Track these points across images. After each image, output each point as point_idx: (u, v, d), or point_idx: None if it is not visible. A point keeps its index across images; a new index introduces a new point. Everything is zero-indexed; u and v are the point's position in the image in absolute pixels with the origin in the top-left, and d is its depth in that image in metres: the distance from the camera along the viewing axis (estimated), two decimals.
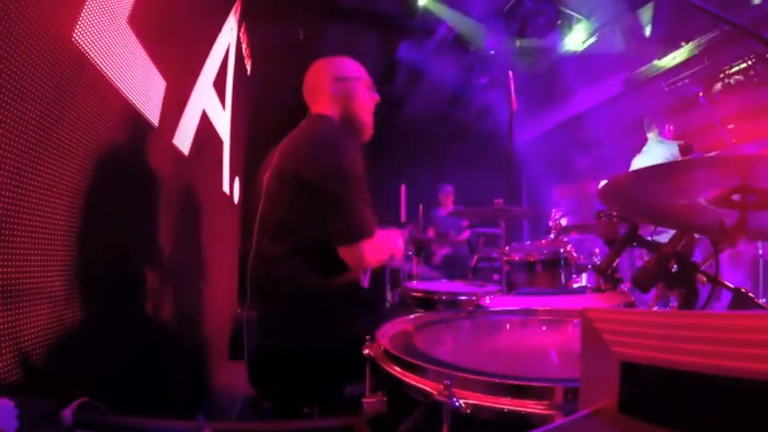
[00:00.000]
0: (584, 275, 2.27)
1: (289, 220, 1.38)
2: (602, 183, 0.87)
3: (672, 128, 3.66)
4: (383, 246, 1.43)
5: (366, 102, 1.54)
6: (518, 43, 4.87)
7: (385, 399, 0.78)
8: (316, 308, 1.36)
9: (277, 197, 1.41)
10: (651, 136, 3.68)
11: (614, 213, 1.47)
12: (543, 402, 0.59)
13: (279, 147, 1.49)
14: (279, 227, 1.40)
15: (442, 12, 4.71)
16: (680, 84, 4.35)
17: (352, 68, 1.55)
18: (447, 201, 5.18)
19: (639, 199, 0.89)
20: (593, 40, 4.56)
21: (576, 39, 4.64)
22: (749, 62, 3.82)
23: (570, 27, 4.61)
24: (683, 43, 4.15)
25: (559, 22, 4.57)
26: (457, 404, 0.61)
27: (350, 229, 1.30)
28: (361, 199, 1.33)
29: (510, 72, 2.32)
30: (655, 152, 3.58)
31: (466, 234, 5.00)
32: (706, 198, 0.80)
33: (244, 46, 3.59)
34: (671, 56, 4.34)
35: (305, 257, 1.36)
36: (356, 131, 1.53)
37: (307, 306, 1.36)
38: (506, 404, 0.61)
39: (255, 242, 1.45)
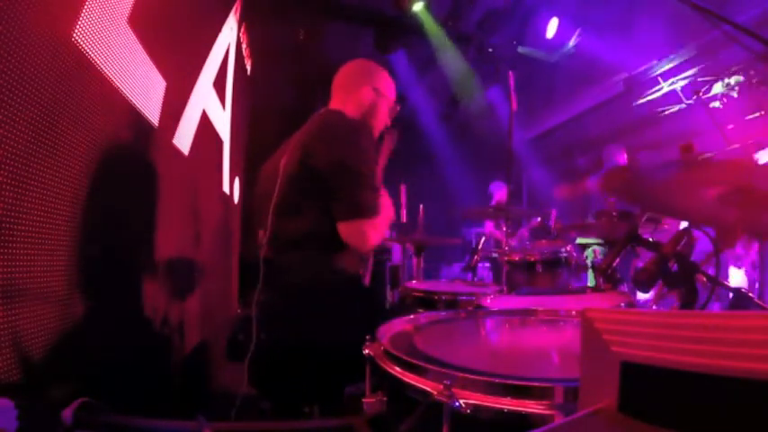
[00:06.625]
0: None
1: (298, 210, 1.39)
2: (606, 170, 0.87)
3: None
4: (385, 225, 1.46)
5: (383, 121, 1.63)
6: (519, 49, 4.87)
7: (385, 399, 0.78)
8: (317, 301, 1.36)
9: (290, 187, 1.42)
10: None
11: (614, 212, 1.47)
12: (543, 402, 0.59)
13: (293, 139, 1.50)
14: (289, 214, 1.41)
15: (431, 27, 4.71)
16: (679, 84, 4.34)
17: (389, 87, 1.62)
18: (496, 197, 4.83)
19: (642, 189, 0.89)
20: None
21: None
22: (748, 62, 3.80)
23: None
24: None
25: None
26: (457, 404, 0.61)
27: (354, 204, 1.32)
28: (371, 183, 1.35)
29: (510, 72, 2.32)
30: None
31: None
32: (706, 197, 0.80)
33: (244, 46, 3.59)
34: (670, 57, 4.33)
35: (310, 249, 1.37)
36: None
37: (308, 299, 1.36)
38: (506, 404, 0.61)
39: (268, 230, 1.46)
